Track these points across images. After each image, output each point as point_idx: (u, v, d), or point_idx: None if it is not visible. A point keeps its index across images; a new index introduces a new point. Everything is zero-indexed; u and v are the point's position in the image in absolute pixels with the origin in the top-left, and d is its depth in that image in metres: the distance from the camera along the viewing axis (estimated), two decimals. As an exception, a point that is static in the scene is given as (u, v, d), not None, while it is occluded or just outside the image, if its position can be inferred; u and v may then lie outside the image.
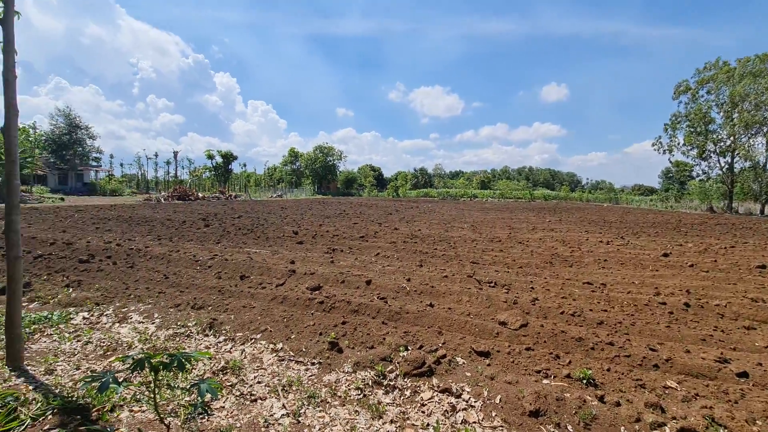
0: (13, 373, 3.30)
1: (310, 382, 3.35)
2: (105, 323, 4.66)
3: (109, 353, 3.89)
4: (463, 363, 3.72)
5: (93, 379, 2.21)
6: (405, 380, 3.36)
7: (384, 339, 4.15)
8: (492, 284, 6.46)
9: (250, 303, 5.27)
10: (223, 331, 4.38)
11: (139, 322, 4.70)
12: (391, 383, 3.31)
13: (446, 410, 2.95)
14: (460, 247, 10.58)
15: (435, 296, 5.72)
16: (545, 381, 3.41)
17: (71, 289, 5.82)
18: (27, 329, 4.29)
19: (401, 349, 3.89)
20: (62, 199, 33.59)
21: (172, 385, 3.07)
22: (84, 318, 4.84)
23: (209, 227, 13.93)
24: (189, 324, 4.56)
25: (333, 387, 3.26)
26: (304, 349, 3.94)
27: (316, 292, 5.72)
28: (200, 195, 44.12)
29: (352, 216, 20.45)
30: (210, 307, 5.14)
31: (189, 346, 4.03)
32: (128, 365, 2.25)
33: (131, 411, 2.79)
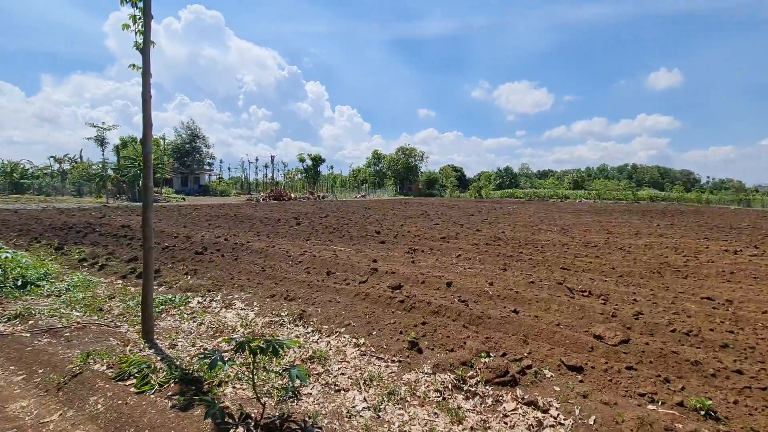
0: (146, 345, 3.94)
1: (390, 379, 3.42)
2: (214, 308, 5.31)
3: (217, 335, 4.43)
4: (552, 376, 3.47)
5: (205, 356, 2.54)
6: (486, 387, 3.25)
7: (464, 343, 4.05)
8: (585, 293, 5.90)
9: (335, 298, 5.56)
10: (311, 323, 4.69)
11: (242, 309, 5.26)
12: (472, 389, 3.23)
13: (531, 424, 2.78)
14: (548, 251, 9.87)
15: (520, 302, 5.42)
16: (650, 406, 3.01)
17: (189, 277, 6.75)
18: (157, 309, 5.09)
19: (483, 355, 3.76)
20: (184, 198, 39.14)
21: (267, 368, 3.38)
22: (198, 302, 5.58)
23: (300, 225, 15.02)
24: (282, 314, 4.98)
25: (412, 386, 3.28)
26: (384, 346, 4.04)
27: (397, 291, 5.81)
28: (292, 195, 47.83)
29: (433, 217, 20.35)
30: (300, 300, 5.55)
31: (282, 334, 4.40)
32: (232, 347, 2.53)
33: (234, 387, 3.14)
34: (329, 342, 4.22)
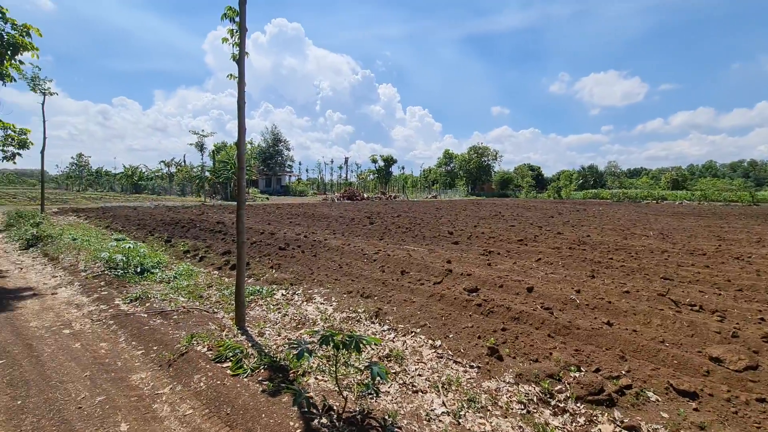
0: (239, 331, 4.29)
1: (468, 385, 3.30)
2: (296, 301, 5.62)
3: (299, 326, 4.67)
4: (657, 400, 3.06)
5: (292, 346, 2.67)
6: (577, 405, 2.97)
7: (550, 354, 3.77)
8: (696, 308, 5.14)
9: (410, 297, 5.55)
10: (387, 321, 4.73)
11: (321, 303, 5.50)
12: (561, 405, 2.97)
13: (634, 452, 2.47)
14: (644, 258, 8.82)
15: (613, 314, 4.90)
16: (792, 449, 2.50)
17: (274, 271, 7.24)
18: (247, 299, 5.53)
19: (572, 368, 3.45)
20: (267, 198, 42.39)
21: (348, 363, 3.47)
22: (282, 294, 5.96)
23: (373, 225, 15.34)
24: (359, 310, 5.10)
25: (493, 395, 3.13)
26: (462, 350, 3.92)
27: (474, 294, 5.62)
28: (365, 195, 49.17)
29: (508, 218, 19.44)
30: (376, 297, 5.64)
31: (359, 330, 4.50)
32: (317, 339, 2.63)
33: (315, 379, 3.27)
34: (405, 341, 4.21)
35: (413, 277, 6.69)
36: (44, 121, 16.76)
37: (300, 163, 77.14)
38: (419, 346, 4.08)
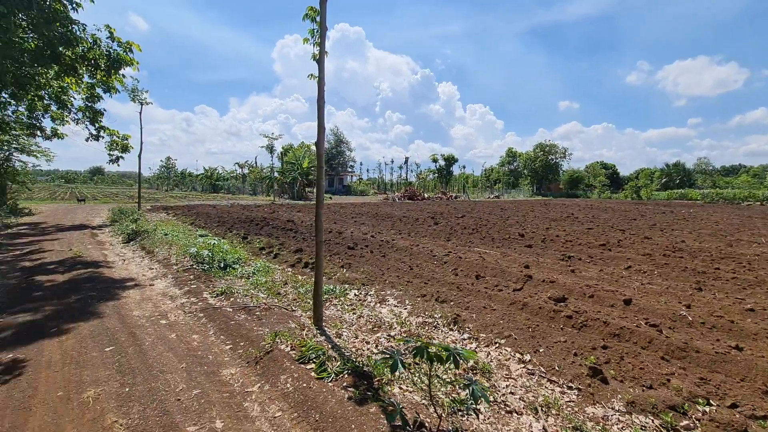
0: (317, 331, 4.30)
1: (570, 409, 2.93)
2: (369, 302, 5.55)
3: (375, 329, 4.57)
4: (825, 451, 2.47)
5: (384, 357, 2.53)
6: (715, 447, 2.48)
7: (668, 380, 3.25)
8: None
9: (489, 304, 5.21)
10: (467, 329, 4.46)
11: (395, 306, 5.37)
12: (692, 445, 2.51)
13: None
14: (761, 269, 7.53)
15: (740, 336, 4.16)
16: None
17: (345, 270, 7.28)
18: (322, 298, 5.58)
19: (700, 401, 2.93)
20: (330, 197, 43.77)
21: (440, 377, 3.26)
22: (355, 294, 5.93)
23: (438, 225, 15.01)
24: (435, 315, 4.88)
25: (602, 424, 2.74)
26: (556, 368, 3.53)
27: (561, 304, 5.13)
28: (425, 195, 48.74)
29: (583, 220, 17.96)
30: (452, 303, 5.38)
31: (437, 337, 4.28)
32: (409, 350, 2.46)
33: (400, 389, 3.12)
34: (489, 353, 3.91)
35: (489, 282, 6.31)
36: (141, 128, 18.74)
37: (361, 164, 78.53)
38: (506, 360, 3.77)
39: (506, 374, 3.49)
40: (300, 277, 6.91)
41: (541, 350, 3.91)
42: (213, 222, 14.79)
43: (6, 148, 18.44)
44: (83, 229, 12.97)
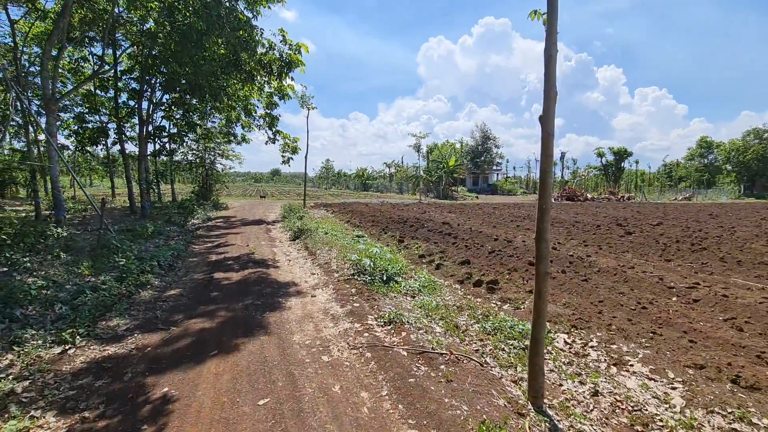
0: (540, 417, 2.67)
1: None
2: (597, 362, 3.64)
3: (634, 423, 2.70)
4: None
5: None
6: None
7: None
8: None
9: None
10: None
11: (648, 378, 3.34)
12: None
13: None
14: None
15: None
16: None
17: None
18: (513, 339, 3.92)
19: None
20: (476, 197, 41.45)
21: None
22: (565, 342, 4.09)
23: (631, 235, 11.56)
24: (750, 416, 2.69)
25: None
26: None
27: None
28: (588, 196, 41.78)
29: None
30: (764, 390, 3.03)
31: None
32: None
33: None
34: None
35: (824, 355, 3.60)
36: (308, 132, 20.28)
37: (507, 161, 72.65)
38: None
39: None
40: (474, 299, 5.41)
41: None
42: (367, 221, 14.63)
43: (212, 153, 22.39)
44: (260, 224, 14.29)
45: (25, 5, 11.71)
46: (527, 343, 4.01)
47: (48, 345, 3.85)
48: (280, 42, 9.97)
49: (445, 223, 13.53)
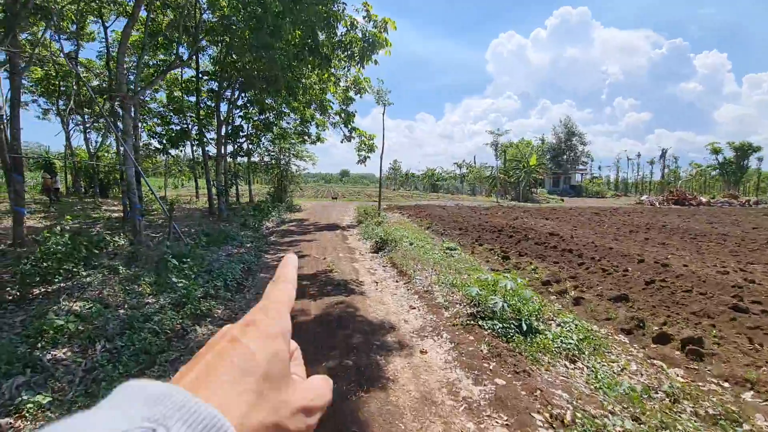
0: None
1: None
2: None
3: None
4: None
5: None
6: None
7: None
8: None
9: None
10: None
11: None
12: None
13: None
14: None
15: None
16: None
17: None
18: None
19: None
20: (562, 200, 37.26)
21: None
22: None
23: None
24: None
25: None
26: None
27: None
28: (702, 199, 35.40)
29: None
30: None
31: None
32: None
33: None
34: None
35: None
36: (383, 128, 18.88)
37: (592, 160, 65.23)
38: None
39: None
40: (671, 370, 3.38)
41: None
42: (451, 228, 12.78)
43: (286, 154, 22.11)
44: (335, 229, 13.16)
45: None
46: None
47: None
48: (363, 18, 8.59)
49: (553, 234, 11.14)
